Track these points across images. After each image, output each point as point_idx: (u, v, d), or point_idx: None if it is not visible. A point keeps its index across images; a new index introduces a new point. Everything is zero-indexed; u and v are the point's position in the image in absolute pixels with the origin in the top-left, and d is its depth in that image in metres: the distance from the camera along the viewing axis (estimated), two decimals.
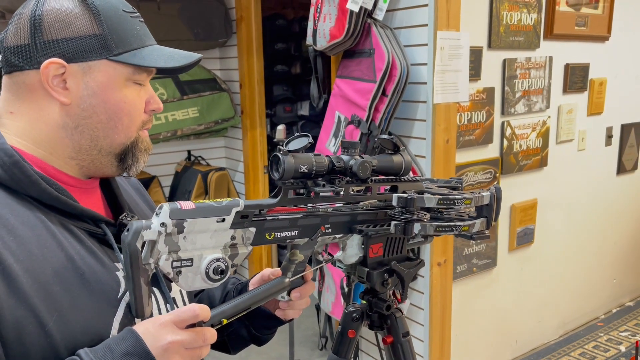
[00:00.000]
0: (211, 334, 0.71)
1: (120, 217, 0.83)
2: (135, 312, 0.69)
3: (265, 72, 3.42)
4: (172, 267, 0.71)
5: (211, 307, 0.77)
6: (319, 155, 0.82)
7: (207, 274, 0.73)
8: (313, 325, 3.00)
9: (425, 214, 0.85)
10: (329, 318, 2.76)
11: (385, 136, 0.93)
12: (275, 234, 0.80)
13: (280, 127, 2.48)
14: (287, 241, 0.83)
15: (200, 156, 3.45)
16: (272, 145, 3.90)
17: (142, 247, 0.68)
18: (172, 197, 3.35)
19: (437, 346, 2.29)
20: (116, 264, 0.79)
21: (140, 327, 0.68)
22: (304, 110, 4.46)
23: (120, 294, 0.77)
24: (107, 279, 0.76)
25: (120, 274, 0.78)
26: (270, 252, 3.58)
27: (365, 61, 2.19)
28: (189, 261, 0.72)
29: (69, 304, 0.71)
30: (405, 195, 0.84)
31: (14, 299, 0.66)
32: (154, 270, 0.70)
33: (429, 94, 2.08)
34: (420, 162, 2.17)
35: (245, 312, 0.78)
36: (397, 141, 0.92)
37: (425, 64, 2.08)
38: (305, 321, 3.14)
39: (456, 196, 0.87)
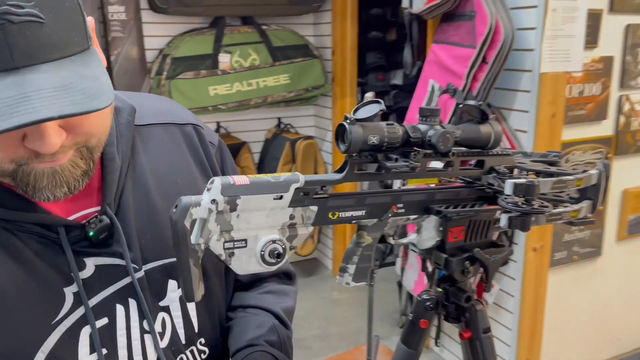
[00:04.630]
0: None
1: (88, 220, 0.72)
2: (185, 297, 0.65)
3: (359, 38, 3.31)
4: (224, 249, 0.65)
5: (239, 338, 0.79)
6: (392, 124, 0.72)
7: (262, 256, 0.66)
8: (394, 301, 2.93)
9: (547, 204, 0.72)
10: (410, 296, 2.68)
11: (471, 102, 0.80)
12: (340, 213, 0.72)
13: (369, 95, 2.38)
14: (353, 221, 0.75)
15: (289, 124, 3.44)
16: None
17: (192, 226, 0.63)
18: (261, 164, 3.39)
19: (527, 337, 2.16)
20: (71, 274, 0.70)
21: None
22: (397, 79, 4.31)
23: (61, 315, 0.69)
24: (41, 301, 0.68)
25: (72, 289, 0.70)
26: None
27: (465, 25, 2.05)
28: (243, 242, 0.66)
29: None
30: (523, 181, 0.71)
31: None
32: (203, 251, 0.65)
33: (536, 62, 1.92)
34: (520, 137, 2.03)
35: None
36: (485, 108, 0.79)
37: (534, 29, 1.92)
38: (386, 297, 3.07)
39: (569, 177, 0.74)
